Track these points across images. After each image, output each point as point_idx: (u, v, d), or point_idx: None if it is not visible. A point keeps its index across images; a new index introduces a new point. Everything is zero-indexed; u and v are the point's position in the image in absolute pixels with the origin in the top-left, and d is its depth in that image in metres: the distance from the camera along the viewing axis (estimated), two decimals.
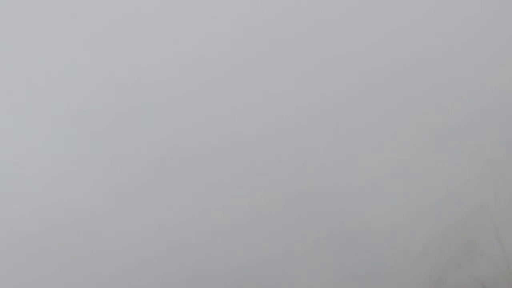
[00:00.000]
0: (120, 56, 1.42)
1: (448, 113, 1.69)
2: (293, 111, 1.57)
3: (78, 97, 1.42)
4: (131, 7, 1.40)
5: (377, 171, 1.67)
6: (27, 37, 1.36)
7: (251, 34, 1.48)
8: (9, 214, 1.46)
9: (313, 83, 1.58)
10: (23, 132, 1.41)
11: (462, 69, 1.67)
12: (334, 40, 1.56)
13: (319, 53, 1.55)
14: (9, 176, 1.43)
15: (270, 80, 1.53)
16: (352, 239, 1.68)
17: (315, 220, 1.65)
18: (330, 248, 1.67)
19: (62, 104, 1.42)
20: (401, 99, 1.65)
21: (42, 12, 1.35)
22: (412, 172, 1.69)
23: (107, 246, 1.53)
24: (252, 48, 1.49)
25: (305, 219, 1.64)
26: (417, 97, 1.66)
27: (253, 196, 1.58)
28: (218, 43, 1.46)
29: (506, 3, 1.65)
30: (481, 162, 1.75)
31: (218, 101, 1.50)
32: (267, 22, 1.49)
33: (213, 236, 1.59)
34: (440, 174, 1.72)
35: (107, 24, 1.39)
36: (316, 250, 1.66)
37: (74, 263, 1.52)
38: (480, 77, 1.69)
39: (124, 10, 1.40)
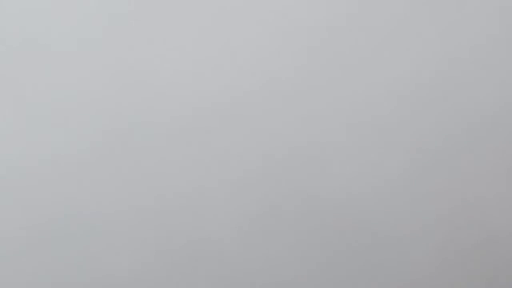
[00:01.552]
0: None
1: (463, 112, 1.69)
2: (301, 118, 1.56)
3: None
4: None
5: (389, 171, 1.66)
6: None
7: None
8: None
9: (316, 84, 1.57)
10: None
11: (479, 73, 1.68)
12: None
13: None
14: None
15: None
16: (356, 236, 1.67)
17: (322, 223, 1.64)
18: (338, 247, 1.66)
19: None
20: (414, 98, 1.64)
21: None
22: (424, 172, 1.69)
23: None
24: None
25: (315, 225, 1.63)
26: (432, 95, 1.65)
27: (262, 203, 1.57)
28: None
29: None
30: (495, 161, 1.75)
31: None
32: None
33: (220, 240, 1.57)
34: (453, 174, 1.71)
35: None
36: (325, 251, 1.65)
37: None
38: (493, 78, 1.69)
39: None
